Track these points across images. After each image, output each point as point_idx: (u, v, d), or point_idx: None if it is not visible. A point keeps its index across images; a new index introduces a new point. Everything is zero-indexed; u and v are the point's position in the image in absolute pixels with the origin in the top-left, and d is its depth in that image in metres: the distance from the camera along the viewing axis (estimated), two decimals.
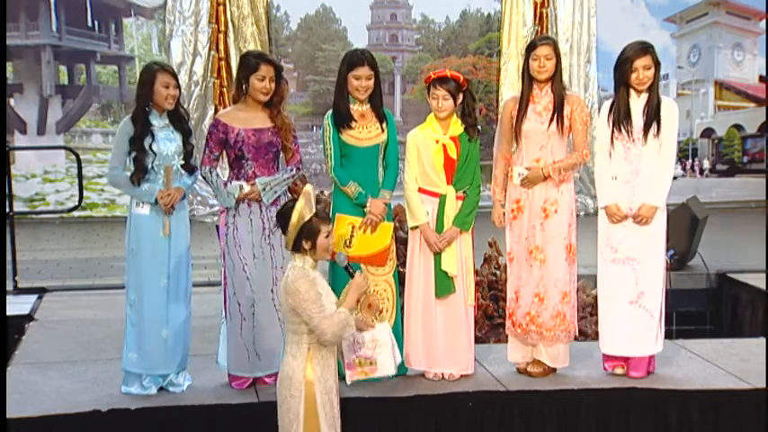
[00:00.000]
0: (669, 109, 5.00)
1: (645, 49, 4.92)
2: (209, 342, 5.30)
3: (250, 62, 4.87)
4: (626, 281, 5.06)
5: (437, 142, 4.95)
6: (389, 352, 3.96)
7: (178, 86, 4.84)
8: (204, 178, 4.95)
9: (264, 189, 4.85)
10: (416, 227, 5.01)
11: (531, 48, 5.00)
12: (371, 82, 4.93)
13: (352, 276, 3.87)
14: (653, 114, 4.94)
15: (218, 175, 4.92)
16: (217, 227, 5.51)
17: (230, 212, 4.90)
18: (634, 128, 4.96)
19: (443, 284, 4.98)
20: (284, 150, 4.94)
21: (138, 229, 4.83)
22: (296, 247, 3.81)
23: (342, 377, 4.01)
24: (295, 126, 5.12)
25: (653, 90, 4.96)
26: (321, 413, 3.76)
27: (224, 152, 4.94)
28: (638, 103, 4.98)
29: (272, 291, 4.87)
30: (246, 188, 4.84)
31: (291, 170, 4.96)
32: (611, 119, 5.00)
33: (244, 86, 4.88)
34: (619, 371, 5.14)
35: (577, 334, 5.20)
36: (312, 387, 3.75)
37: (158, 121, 4.83)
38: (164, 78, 4.77)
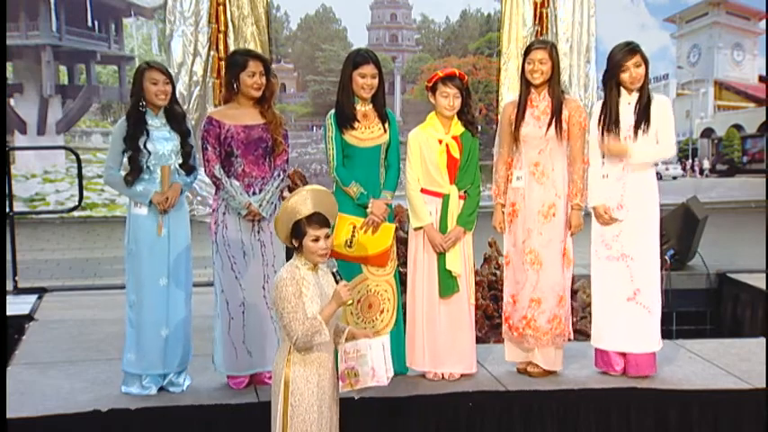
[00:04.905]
0: (660, 106, 5.01)
1: (633, 49, 4.94)
2: (210, 342, 5.29)
3: (238, 60, 4.86)
4: (621, 278, 5.06)
5: (440, 142, 4.95)
6: (369, 364, 3.79)
7: (170, 83, 4.80)
8: (217, 177, 4.84)
9: (261, 205, 4.84)
10: (420, 227, 5.00)
11: (526, 51, 5.01)
12: (376, 81, 4.94)
13: (338, 283, 3.82)
14: (643, 112, 4.96)
15: (228, 180, 4.85)
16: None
17: (220, 211, 4.90)
18: (624, 126, 4.98)
19: (448, 284, 4.97)
20: (275, 145, 4.92)
21: (136, 229, 4.83)
22: (292, 244, 3.83)
23: None
24: (286, 121, 5.09)
25: (644, 88, 4.98)
26: (290, 416, 3.74)
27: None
28: (628, 102, 5.00)
29: (263, 287, 4.87)
30: (254, 205, 4.81)
31: (279, 175, 4.95)
32: (601, 120, 5.02)
33: (234, 85, 4.87)
34: (613, 371, 5.14)
35: (572, 336, 5.18)
36: (288, 387, 3.75)
37: (154, 121, 4.82)
38: (151, 75, 4.74)
